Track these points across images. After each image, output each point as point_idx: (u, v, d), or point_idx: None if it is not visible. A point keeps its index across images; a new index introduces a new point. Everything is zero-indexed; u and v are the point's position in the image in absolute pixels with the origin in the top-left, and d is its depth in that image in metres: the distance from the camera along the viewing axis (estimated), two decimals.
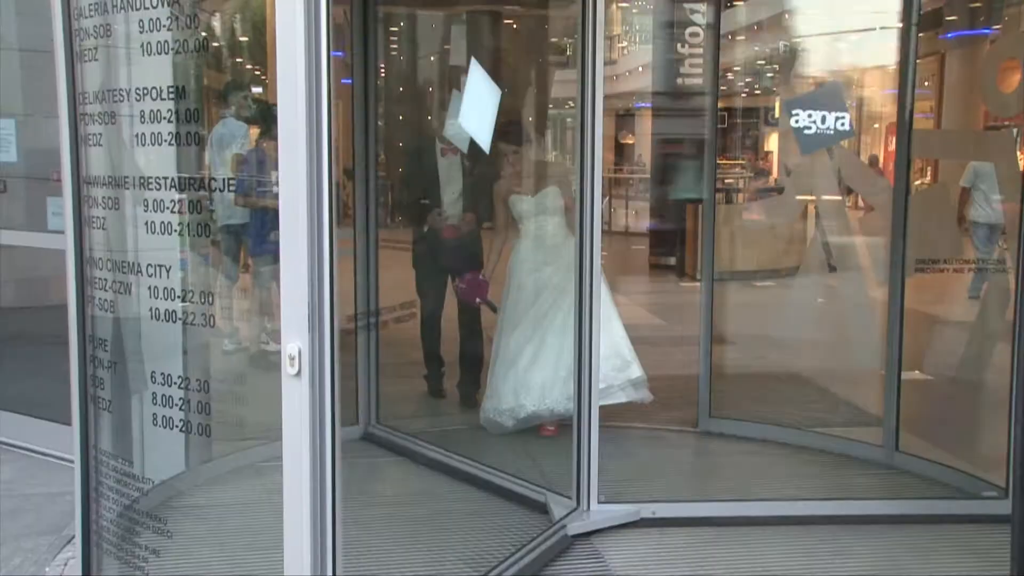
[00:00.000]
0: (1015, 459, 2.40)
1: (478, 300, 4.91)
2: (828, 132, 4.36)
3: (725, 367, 5.14)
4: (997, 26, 5.08)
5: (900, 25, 4.43)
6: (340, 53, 5.24)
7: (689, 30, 7.85)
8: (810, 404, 5.11)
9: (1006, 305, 4.06)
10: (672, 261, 9.99)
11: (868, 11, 6.48)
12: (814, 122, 4.33)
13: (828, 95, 4.59)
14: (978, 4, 5.72)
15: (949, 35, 5.90)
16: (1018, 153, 4.28)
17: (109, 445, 2.92)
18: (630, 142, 21.53)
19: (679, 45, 7.94)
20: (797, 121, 4.35)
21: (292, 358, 2.14)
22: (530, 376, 4.63)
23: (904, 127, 4.25)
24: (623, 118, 21.73)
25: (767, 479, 4.27)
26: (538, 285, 4.78)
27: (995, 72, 3.89)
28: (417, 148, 5.50)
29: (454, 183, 5.15)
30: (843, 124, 4.37)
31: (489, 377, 4.82)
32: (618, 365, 4.59)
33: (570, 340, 3.93)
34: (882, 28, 6.02)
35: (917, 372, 4.72)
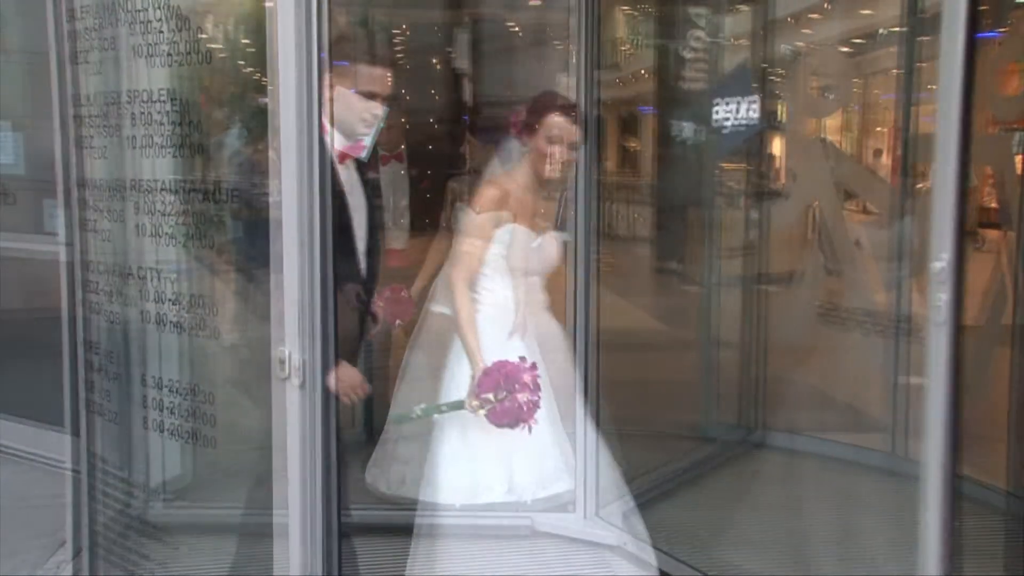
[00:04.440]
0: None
1: (398, 323, 3.53)
2: (742, 123, 3.86)
3: (726, 371, 5.12)
4: (1003, 29, 5.06)
5: (902, 29, 4.41)
6: (345, 63, 5.23)
7: (693, 34, 7.82)
8: (814, 409, 5.08)
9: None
10: (676, 266, 9.94)
11: (872, 14, 6.46)
12: (731, 113, 3.86)
13: (736, 80, 4.26)
14: (984, 7, 5.68)
15: None
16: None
17: (105, 450, 2.91)
18: (634, 146, 21.51)
19: (682, 49, 7.93)
20: (716, 114, 3.91)
21: (283, 363, 2.13)
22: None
23: (906, 131, 4.23)
24: (627, 122, 21.70)
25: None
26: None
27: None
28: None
29: (400, 194, 4.52)
30: (753, 111, 3.80)
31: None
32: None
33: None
34: (885, 32, 6.00)
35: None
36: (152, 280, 2.71)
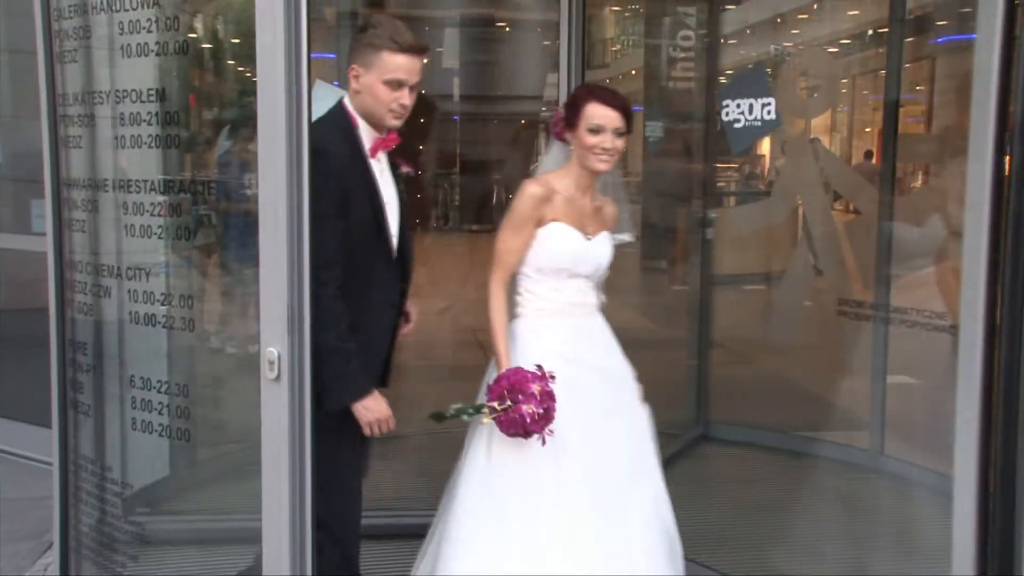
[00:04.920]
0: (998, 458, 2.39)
1: (536, 433, 2.41)
2: (756, 123, 3.88)
3: (715, 370, 5.14)
4: None
5: (888, 29, 4.43)
6: (332, 55, 5.22)
7: (681, 33, 7.84)
8: (798, 407, 5.11)
9: None
10: (664, 265, 9.96)
11: (858, 15, 6.49)
12: (742, 113, 3.88)
13: (751, 80, 4.11)
14: (968, 9, 5.72)
15: (940, 39, 5.90)
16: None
17: (90, 450, 2.90)
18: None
19: (671, 49, 7.95)
20: (727, 114, 3.89)
21: (271, 362, 2.13)
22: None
23: (891, 131, 4.26)
24: None
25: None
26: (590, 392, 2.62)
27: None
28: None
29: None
30: (769, 112, 3.86)
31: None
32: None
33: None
34: (872, 32, 6.02)
35: (905, 376, 4.72)
36: (140, 279, 2.71)
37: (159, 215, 2.67)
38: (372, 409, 2.36)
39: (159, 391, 2.66)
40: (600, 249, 2.68)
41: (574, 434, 2.48)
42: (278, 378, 2.12)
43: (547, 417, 2.37)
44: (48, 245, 2.88)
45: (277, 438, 2.14)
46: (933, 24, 5.73)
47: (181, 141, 2.79)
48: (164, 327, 2.75)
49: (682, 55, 7.29)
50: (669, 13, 7.21)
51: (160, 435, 2.69)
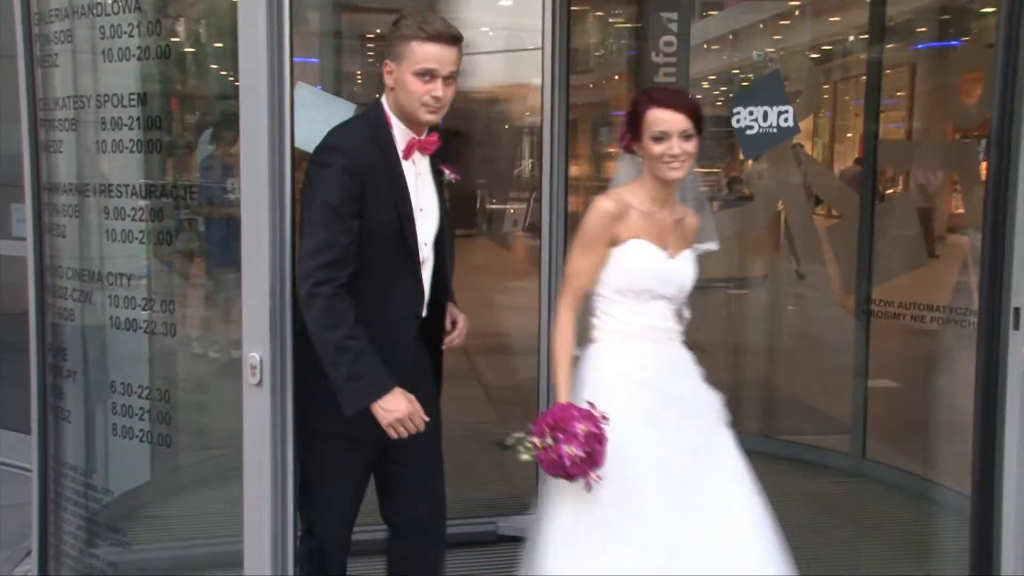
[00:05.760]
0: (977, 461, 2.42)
1: (578, 477, 2.20)
2: (772, 130, 3.81)
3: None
4: (966, 38, 5.13)
5: (868, 36, 4.47)
6: (315, 60, 5.22)
7: (663, 39, 7.86)
8: (779, 412, 5.13)
9: None
10: None
11: (840, 21, 6.54)
12: (755, 120, 3.81)
13: (767, 87, 4.02)
14: (947, 17, 5.79)
15: (920, 46, 5.95)
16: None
17: (70, 456, 2.89)
18: (610, 150, 21.69)
19: (653, 54, 7.96)
20: (739, 121, 3.83)
21: (253, 367, 2.13)
22: None
23: (871, 138, 4.30)
24: (600, 127, 21.87)
25: None
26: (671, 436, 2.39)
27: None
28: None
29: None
30: (787, 120, 3.79)
31: None
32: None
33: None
34: (853, 39, 6.07)
35: (886, 380, 4.75)
36: (121, 284, 2.70)
37: (140, 220, 2.67)
38: (391, 409, 2.14)
39: (140, 396, 2.65)
40: (684, 269, 2.46)
41: (651, 483, 2.25)
42: (260, 383, 2.12)
43: (591, 461, 2.13)
44: (28, 250, 2.86)
45: (259, 443, 2.14)
46: (913, 31, 5.77)
47: (163, 145, 2.78)
48: (145, 332, 2.74)
49: (664, 60, 7.32)
50: (652, 19, 7.24)
51: (141, 440, 2.68)
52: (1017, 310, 2.31)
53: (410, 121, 2.27)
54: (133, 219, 2.66)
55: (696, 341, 2.49)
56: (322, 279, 2.12)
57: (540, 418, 2.18)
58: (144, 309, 2.69)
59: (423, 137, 2.32)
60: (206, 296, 3.66)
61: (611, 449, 2.15)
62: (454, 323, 2.53)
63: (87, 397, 2.87)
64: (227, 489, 3.47)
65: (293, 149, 2.15)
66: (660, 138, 2.31)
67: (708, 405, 2.44)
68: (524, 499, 3.79)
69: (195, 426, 3.20)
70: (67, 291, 2.81)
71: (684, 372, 2.47)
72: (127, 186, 2.67)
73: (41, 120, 2.81)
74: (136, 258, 2.75)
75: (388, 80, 2.26)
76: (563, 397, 2.28)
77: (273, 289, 2.12)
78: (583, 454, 2.11)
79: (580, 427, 2.13)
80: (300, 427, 2.19)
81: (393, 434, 2.16)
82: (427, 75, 2.19)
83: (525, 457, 2.16)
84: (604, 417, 2.16)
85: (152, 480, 3.33)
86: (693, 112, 2.33)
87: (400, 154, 2.28)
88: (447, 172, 2.43)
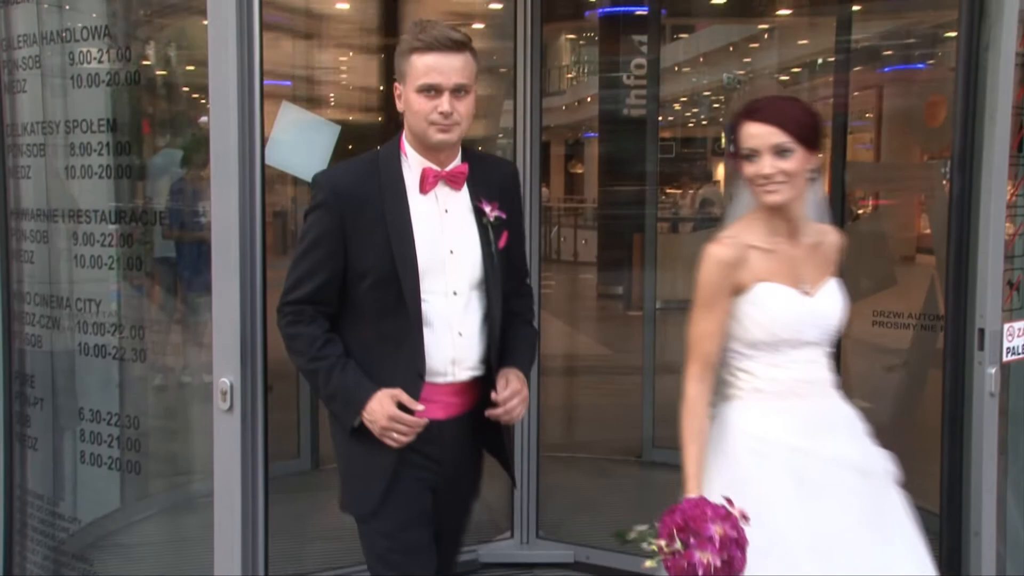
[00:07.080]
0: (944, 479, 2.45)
1: None
2: None
3: (668, 396, 5.15)
4: (931, 61, 5.23)
5: (836, 59, 4.53)
6: (288, 83, 5.21)
7: (635, 61, 7.95)
8: None
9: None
10: (620, 291, 10.04)
11: (808, 44, 6.65)
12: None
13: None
14: (912, 40, 5.89)
15: (886, 69, 6.04)
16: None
17: (36, 484, 2.85)
18: (579, 171, 21.78)
19: (625, 76, 8.04)
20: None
21: (224, 393, 2.12)
22: None
23: (839, 159, 4.35)
24: (572, 147, 21.99)
25: None
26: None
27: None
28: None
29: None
30: None
31: None
32: None
33: None
34: (821, 62, 6.16)
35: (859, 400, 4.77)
36: (90, 311, 2.68)
37: (110, 245, 2.65)
38: (370, 420, 1.93)
39: (109, 423, 2.62)
40: (827, 304, 2.07)
41: (810, 560, 1.90)
42: (231, 409, 2.11)
43: (729, 570, 1.78)
44: None
45: (229, 470, 2.13)
46: (880, 54, 5.87)
47: (133, 170, 2.77)
48: (115, 358, 2.72)
49: (635, 83, 7.40)
50: (623, 41, 7.32)
51: (110, 468, 2.65)
52: (982, 330, 2.35)
53: (425, 148, 2.00)
54: (102, 244, 2.64)
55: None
56: (284, 312, 1.98)
57: (667, 515, 1.84)
58: (113, 334, 2.66)
59: (449, 168, 2.03)
60: (177, 320, 3.63)
61: (761, 535, 1.81)
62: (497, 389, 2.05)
63: (55, 424, 2.83)
64: (197, 517, 3.44)
65: (264, 173, 2.15)
66: (750, 156, 2.01)
67: (876, 466, 2.04)
68: (499, 523, 3.78)
69: (165, 452, 3.17)
70: (34, 317, 2.79)
71: (844, 428, 2.07)
72: (96, 211, 2.65)
73: (8, 146, 2.79)
74: (105, 283, 2.73)
75: (399, 105, 2.01)
76: (693, 490, 1.94)
77: (244, 314, 2.12)
78: (719, 563, 1.78)
79: (716, 528, 1.80)
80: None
81: (392, 444, 1.94)
82: (431, 90, 1.93)
83: (650, 564, 1.82)
84: (744, 516, 1.82)
85: (121, 508, 3.29)
86: (790, 123, 1.98)
87: (409, 188, 2.01)
88: (487, 209, 2.06)
